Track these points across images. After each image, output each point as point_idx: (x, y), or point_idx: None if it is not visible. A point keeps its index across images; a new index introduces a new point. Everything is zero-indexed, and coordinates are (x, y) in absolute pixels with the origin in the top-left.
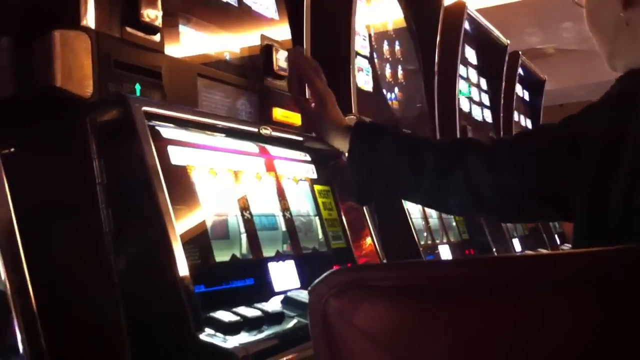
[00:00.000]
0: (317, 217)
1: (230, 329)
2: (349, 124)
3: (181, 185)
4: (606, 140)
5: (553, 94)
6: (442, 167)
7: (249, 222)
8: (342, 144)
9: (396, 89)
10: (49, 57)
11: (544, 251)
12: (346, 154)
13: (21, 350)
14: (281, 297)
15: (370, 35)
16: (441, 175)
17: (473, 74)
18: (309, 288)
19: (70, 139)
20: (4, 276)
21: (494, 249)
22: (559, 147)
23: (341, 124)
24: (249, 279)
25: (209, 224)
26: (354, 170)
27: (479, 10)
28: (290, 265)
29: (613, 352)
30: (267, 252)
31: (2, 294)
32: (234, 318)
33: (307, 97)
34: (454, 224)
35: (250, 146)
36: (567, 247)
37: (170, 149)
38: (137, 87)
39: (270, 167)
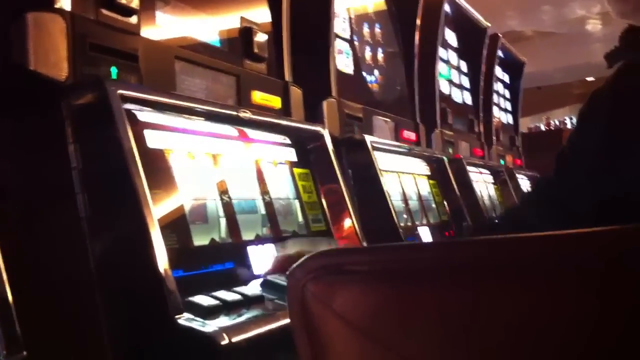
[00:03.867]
0: (296, 200)
1: (209, 313)
2: None
3: (159, 169)
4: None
5: (531, 77)
6: None
7: (228, 206)
8: None
9: (376, 72)
10: (22, 39)
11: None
12: None
13: None
14: (261, 280)
15: (350, 18)
16: None
17: (453, 57)
18: (288, 272)
19: (45, 123)
20: None
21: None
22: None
23: None
24: (229, 262)
25: (187, 208)
26: None
27: None
28: (270, 249)
29: (606, 345)
30: (247, 236)
31: None
32: (213, 302)
33: (286, 79)
34: (434, 205)
35: (229, 129)
36: None
37: (147, 132)
38: (113, 70)
39: (249, 151)
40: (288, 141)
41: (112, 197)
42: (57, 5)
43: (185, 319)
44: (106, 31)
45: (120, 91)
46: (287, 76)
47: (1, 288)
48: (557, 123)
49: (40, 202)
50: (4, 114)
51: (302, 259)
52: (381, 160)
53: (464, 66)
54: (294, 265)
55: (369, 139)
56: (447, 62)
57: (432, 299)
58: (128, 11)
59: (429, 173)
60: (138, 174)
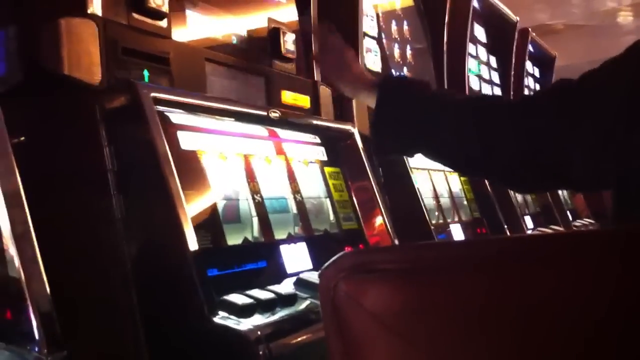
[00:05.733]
0: (327, 199)
1: (243, 311)
2: (373, 78)
3: (191, 170)
4: (633, 94)
5: (563, 71)
6: (461, 117)
7: (260, 205)
8: (367, 99)
9: (405, 69)
10: (56, 45)
11: (558, 229)
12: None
13: (37, 336)
14: (294, 279)
15: (378, 15)
16: (459, 126)
17: (482, 52)
18: (319, 272)
19: (80, 127)
20: (18, 264)
21: (506, 227)
22: (573, 109)
23: (365, 78)
24: (262, 261)
25: (220, 208)
26: (381, 124)
27: None
28: (302, 248)
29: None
30: (279, 235)
31: (17, 281)
32: (247, 301)
33: (315, 78)
34: (465, 202)
35: (260, 130)
36: (579, 223)
37: (180, 134)
38: (145, 73)
39: (280, 150)
40: (318, 140)
41: (147, 198)
42: (89, 11)
43: (220, 318)
44: (137, 35)
45: (152, 94)
46: (316, 75)
47: (41, 288)
48: None
49: (76, 205)
50: (38, 118)
51: (333, 258)
52: (412, 157)
53: (493, 62)
54: (325, 264)
55: None
56: (476, 57)
57: (461, 296)
58: (158, 14)
59: None
60: (172, 175)
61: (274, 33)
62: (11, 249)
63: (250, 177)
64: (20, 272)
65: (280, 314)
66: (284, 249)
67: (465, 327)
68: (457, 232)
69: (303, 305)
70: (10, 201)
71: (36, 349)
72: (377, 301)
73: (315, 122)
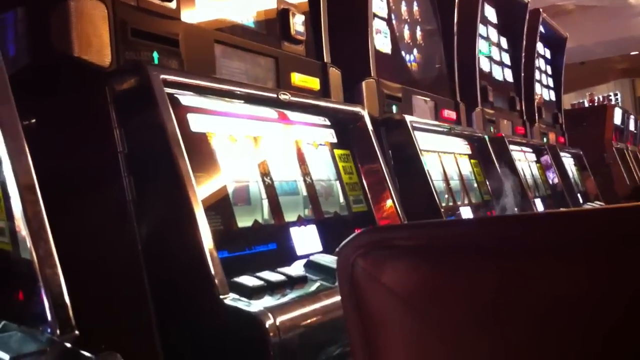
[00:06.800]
0: (337, 182)
1: (254, 293)
2: None
3: (201, 152)
4: None
5: (573, 52)
6: None
7: (270, 188)
8: None
9: (415, 51)
10: (65, 26)
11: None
12: None
13: (49, 318)
14: (304, 261)
15: None
16: None
17: (493, 33)
18: (337, 250)
19: (90, 109)
20: (29, 245)
21: (516, 209)
22: None
23: None
24: (272, 243)
25: (230, 190)
26: None
27: None
28: (312, 230)
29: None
30: (289, 217)
31: (29, 262)
32: (258, 282)
33: (325, 60)
34: (475, 185)
35: (269, 112)
36: (589, 205)
37: (190, 116)
38: (155, 55)
39: (289, 133)
40: (328, 122)
41: (157, 180)
42: None
43: (230, 299)
44: (147, 16)
45: (162, 76)
46: (326, 57)
47: (53, 270)
48: (601, 99)
49: (87, 187)
50: (47, 99)
51: (351, 236)
52: (421, 140)
53: (504, 43)
54: (343, 242)
55: (408, 118)
56: (487, 39)
57: (476, 273)
58: None
59: (470, 152)
60: (182, 157)
61: (283, 14)
62: (23, 231)
63: (260, 159)
64: (32, 254)
65: (291, 295)
66: (294, 231)
67: (481, 308)
68: (467, 215)
69: (313, 287)
70: (21, 183)
71: (48, 330)
72: (394, 277)
73: (324, 104)
